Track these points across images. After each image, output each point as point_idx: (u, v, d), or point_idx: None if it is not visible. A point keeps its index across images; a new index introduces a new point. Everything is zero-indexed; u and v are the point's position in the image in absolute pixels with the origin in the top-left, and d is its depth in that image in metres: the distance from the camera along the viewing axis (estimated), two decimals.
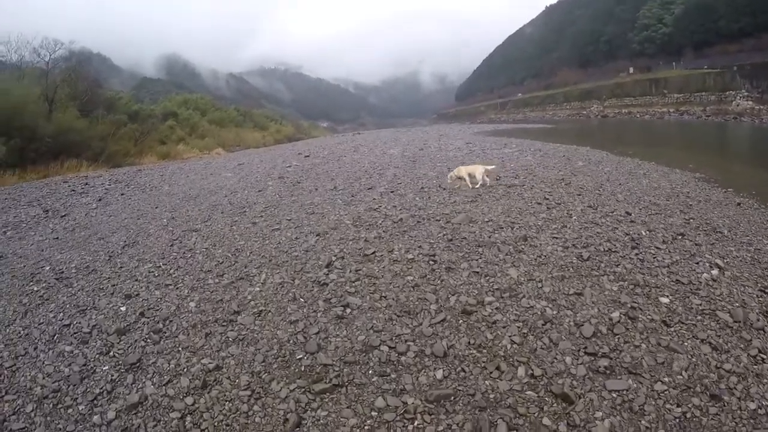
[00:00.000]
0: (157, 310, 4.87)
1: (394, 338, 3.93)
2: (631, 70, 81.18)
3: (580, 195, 8.38)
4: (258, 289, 5.12)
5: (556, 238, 5.97)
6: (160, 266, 6.17)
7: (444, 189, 9.33)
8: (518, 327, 3.97)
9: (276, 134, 57.04)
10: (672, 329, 3.87)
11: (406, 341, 3.88)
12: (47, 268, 6.55)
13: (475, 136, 26.52)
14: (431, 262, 5.34)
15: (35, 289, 5.78)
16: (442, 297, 4.55)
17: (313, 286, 5.04)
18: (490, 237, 6.04)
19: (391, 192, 9.43)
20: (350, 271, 5.29)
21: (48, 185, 15.87)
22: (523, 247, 5.66)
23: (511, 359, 3.59)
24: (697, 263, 5.17)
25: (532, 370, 3.44)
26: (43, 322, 4.84)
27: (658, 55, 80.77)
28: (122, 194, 13.09)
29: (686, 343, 3.67)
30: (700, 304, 4.24)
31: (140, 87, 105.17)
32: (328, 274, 5.27)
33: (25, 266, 6.78)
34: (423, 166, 12.90)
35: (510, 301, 4.38)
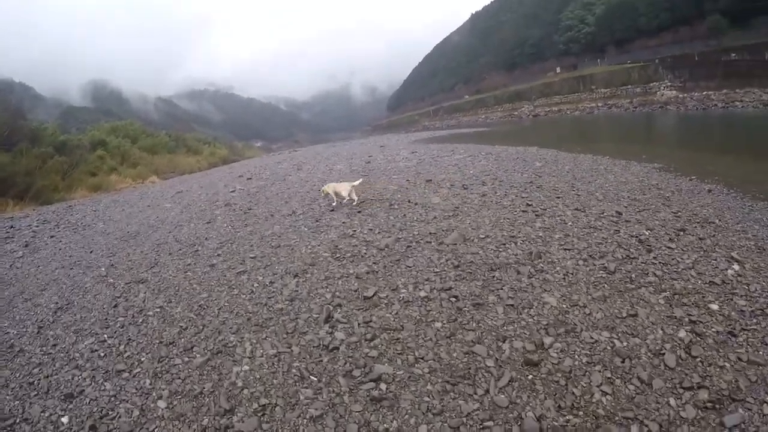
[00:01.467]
0: (114, 418, 3.64)
1: (465, 420, 3.10)
2: (558, 69, 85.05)
3: (559, 198, 8.09)
4: (247, 367, 4.00)
5: (568, 249, 5.51)
6: (104, 340, 4.88)
7: (415, 204, 8.63)
8: (599, 371, 3.36)
9: (210, 157, 54.62)
10: (740, 339, 3.61)
11: (482, 422, 3.07)
12: None
13: (416, 145, 25.98)
14: (452, 299, 4.62)
15: None
16: (492, 346, 3.83)
17: (320, 354, 4.04)
18: (498, 257, 5.47)
19: (358, 212, 8.57)
20: (359, 324, 4.40)
21: None
22: (541, 265, 5.13)
23: (616, 417, 2.98)
24: (715, 259, 4.99)
25: (648, 426, 2.89)
26: None
27: (583, 53, 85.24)
28: (52, 237, 11.44)
29: (762, 352, 3.43)
30: (746, 305, 4.04)
31: (66, 115, 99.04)
32: (332, 333, 4.32)
33: None
34: (378, 180, 12.11)
35: (570, 339, 3.81)
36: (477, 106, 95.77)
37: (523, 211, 7.31)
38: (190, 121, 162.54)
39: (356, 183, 9.54)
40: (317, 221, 8.36)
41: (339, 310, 4.70)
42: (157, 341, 4.68)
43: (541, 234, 6.16)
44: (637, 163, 11.74)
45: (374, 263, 5.81)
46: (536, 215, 7.04)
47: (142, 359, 4.40)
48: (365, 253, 6.21)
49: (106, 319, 5.39)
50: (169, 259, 7.42)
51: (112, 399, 3.87)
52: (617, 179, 9.57)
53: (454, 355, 3.74)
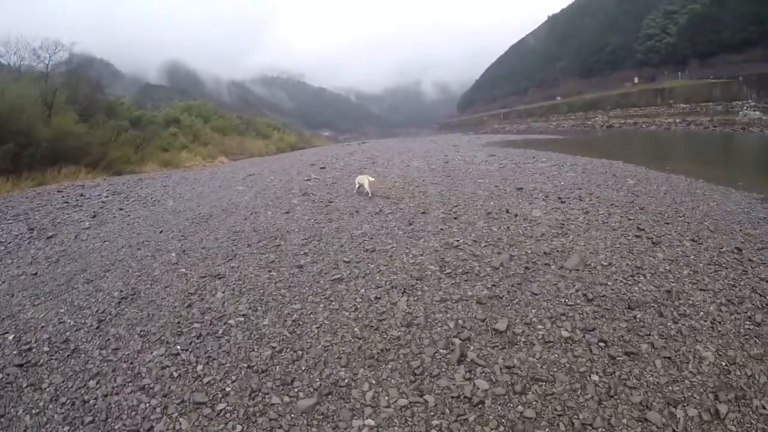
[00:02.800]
0: None
1: None
2: (636, 80, 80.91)
3: (668, 224, 6.99)
4: (372, 422, 2.98)
5: (703, 290, 4.61)
6: (178, 353, 3.89)
7: (515, 215, 7.54)
8: None
9: (279, 143, 56.03)
10: None
11: None
12: (10, 337, 4.43)
13: (491, 148, 24.56)
14: (601, 344, 3.69)
15: None
16: (665, 412, 2.99)
17: (464, 410, 3.04)
18: (632, 292, 4.58)
19: (454, 218, 7.49)
20: (500, 369, 3.38)
21: (41, 195, 13.98)
22: (683, 308, 4.26)
23: None
24: None
25: None
26: None
27: (662, 65, 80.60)
28: (120, 209, 11.01)
29: None
30: None
31: (143, 93, 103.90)
32: (471, 379, 3.29)
33: None
34: (464, 183, 10.90)
35: (743, 408, 3.05)
36: (549, 112, 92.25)
37: (636, 236, 6.31)
38: (261, 106, 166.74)
39: (371, 179, 10.25)
40: (410, 224, 7.30)
41: (471, 347, 3.72)
42: (245, 365, 3.66)
43: (667, 267, 5.20)
44: (734, 191, 10.11)
45: (494, 285, 4.82)
46: (653, 243, 6.03)
47: (227, 389, 3.39)
48: (479, 271, 5.18)
49: (178, 322, 4.43)
50: (247, 252, 6.47)
51: None
52: (721, 208, 8.27)
53: (624, 421, 2.93)
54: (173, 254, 6.62)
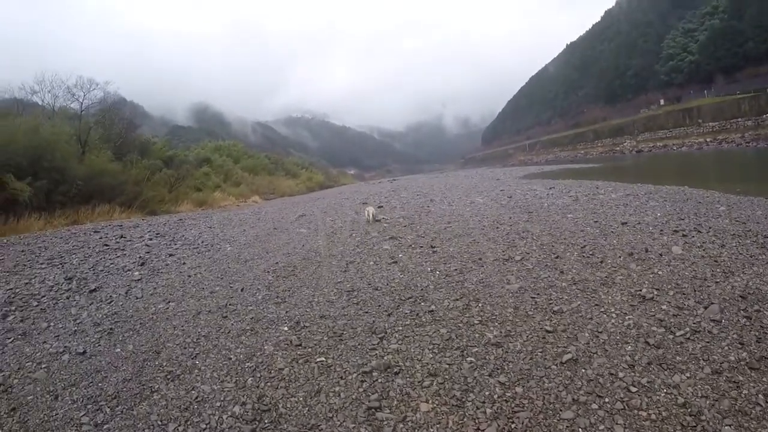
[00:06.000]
0: None
1: None
2: (662, 101, 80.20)
3: None
4: None
5: None
6: None
7: (660, 255, 5.90)
8: None
9: (308, 182, 55.89)
10: None
11: None
12: None
13: (536, 180, 22.57)
14: None
15: None
16: None
17: None
18: None
19: (600, 262, 5.79)
20: None
21: (76, 235, 12.55)
22: None
23: None
24: None
25: None
26: None
27: (687, 84, 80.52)
28: (170, 255, 9.28)
29: None
30: None
31: (172, 134, 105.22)
32: None
33: None
34: (555, 221, 8.89)
35: None
36: (575, 141, 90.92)
37: None
38: (286, 145, 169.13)
39: (374, 210, 11.67)
40: (562, 272, 5.49)
41: None
42: None
43: None
44: None
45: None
46: None
47: None
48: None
49: None
50: (392, 323, 4.53)
51: None
52: None
53: None
54: (285, 328, 4.67)
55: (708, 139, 54.81)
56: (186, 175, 30.08)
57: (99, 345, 4.71)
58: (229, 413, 3.24)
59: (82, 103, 26.08)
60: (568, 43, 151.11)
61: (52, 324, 5.43)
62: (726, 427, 2.64)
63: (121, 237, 11.91)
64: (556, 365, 3.40)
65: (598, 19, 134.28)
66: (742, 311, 3.99)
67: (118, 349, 4.54)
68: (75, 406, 3.56)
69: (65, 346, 4.73)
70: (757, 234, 6.53)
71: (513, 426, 2.79)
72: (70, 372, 4.14)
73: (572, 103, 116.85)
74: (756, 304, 4.10)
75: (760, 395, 2.87)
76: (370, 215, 11.22)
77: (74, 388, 3.83)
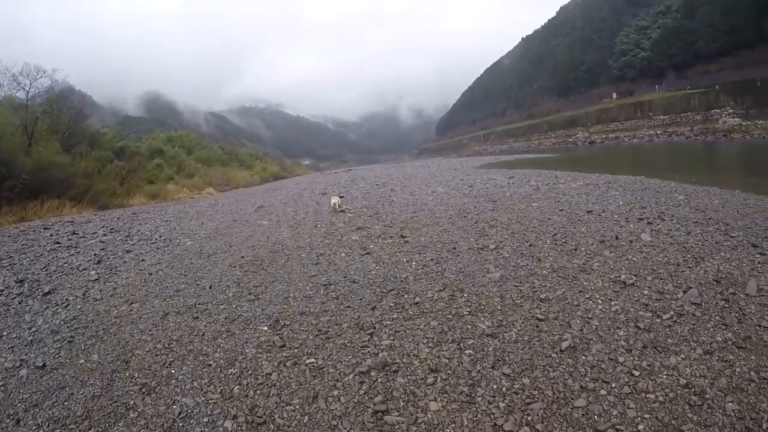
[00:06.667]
0: None
1: None
2: (614, 95, 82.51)
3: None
4: None
5: None
6: None
7: (630, 242, 6.11)
8: None
9: (262, 173, 54.44)
10: None
11: None
12: None
13: (494, 170, 22.92)
14: None
15: None
16: None
17: None
18: None
19: (573, 250, 5.89)
20: None
21: (25, 233, 11.64)
22: None
23: None
24: None
25: None
26: None
27: (639, 79, 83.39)
28: (127, 252, 8.75)
29: None
30: None
31: (122, 124, 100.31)
32: None
33: None
34: (521, 210, 9.09)
35: None
36: (529, 132, 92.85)
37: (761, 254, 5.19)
38: (239, 135, 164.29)
39: (338, 199, 11.80)
40: (539, 261, 5.58)
41: None
42: None
43: None
44: (755, 195, 9.14)
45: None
46: None
47: None
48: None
49: None
50: (380, 316, 4.37)
51: None
52: None
53: None
54: (264, 327, 4.39)
55: (659, 132, 56.89)
56: (138, 167, 28.72)
57: (59, 356, 4.28)
58: (221, 430, 2.96)
59: (28, 92, 24.01)
60: (524, 36, 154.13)
61: (5, 333, 4.94)
62: (729, 404, 2.68)
63: (74, 234, 11.18)
64: (557, 353, 3.36)
65: (554, 14, 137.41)
66: (719, 294, 4.11)
67: (82, 360, 4.14)
68: (40, 431, 3.20)
69: (21, 359, 4.28)
70: (718, 222, 6.79)
71: (529, 419, 2.72)
72: (31, 390, 3.72)
73: (527, 95, 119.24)
74: (731, 288, 4.23)
75: (751, 372, 2.94)
76: (336, 205, 11.34)
77: (37, 410, 3.43)
